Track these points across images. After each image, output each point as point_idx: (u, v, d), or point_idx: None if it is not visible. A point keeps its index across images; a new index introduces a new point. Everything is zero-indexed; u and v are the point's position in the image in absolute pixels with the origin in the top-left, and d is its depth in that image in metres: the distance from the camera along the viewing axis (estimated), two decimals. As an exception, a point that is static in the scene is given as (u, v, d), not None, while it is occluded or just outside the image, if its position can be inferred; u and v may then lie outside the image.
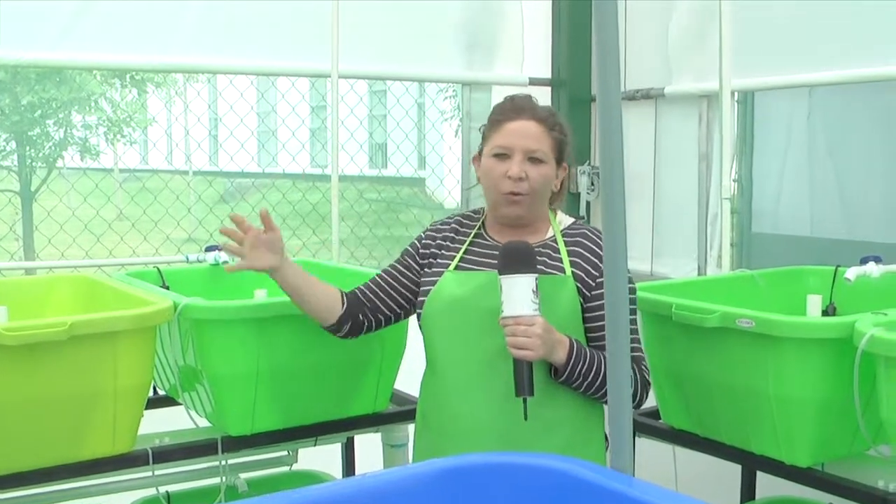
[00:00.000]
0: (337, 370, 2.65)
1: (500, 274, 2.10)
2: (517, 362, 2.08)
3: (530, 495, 1.43)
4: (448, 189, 4.65)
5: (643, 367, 2.26)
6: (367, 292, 2.40)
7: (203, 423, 2.73)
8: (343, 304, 2.36)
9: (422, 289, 2.32)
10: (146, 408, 2.80)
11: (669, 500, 1.27)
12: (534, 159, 2.21)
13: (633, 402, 2.22)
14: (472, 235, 2.33)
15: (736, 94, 3.78)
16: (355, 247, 5.20)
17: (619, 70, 1.35)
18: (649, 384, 2.30)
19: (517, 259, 2.09)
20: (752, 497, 2.99)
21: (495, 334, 2.12)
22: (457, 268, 2.28)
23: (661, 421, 2.78)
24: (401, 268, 2.39)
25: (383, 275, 2.41)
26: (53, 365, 2.25)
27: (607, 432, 1.67)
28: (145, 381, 2.45)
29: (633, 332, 2.27)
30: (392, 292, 2.37)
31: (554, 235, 2.30)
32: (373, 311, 2.38)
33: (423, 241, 2.38)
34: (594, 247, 2.24)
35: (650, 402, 2.48)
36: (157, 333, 2.47)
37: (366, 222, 5.59)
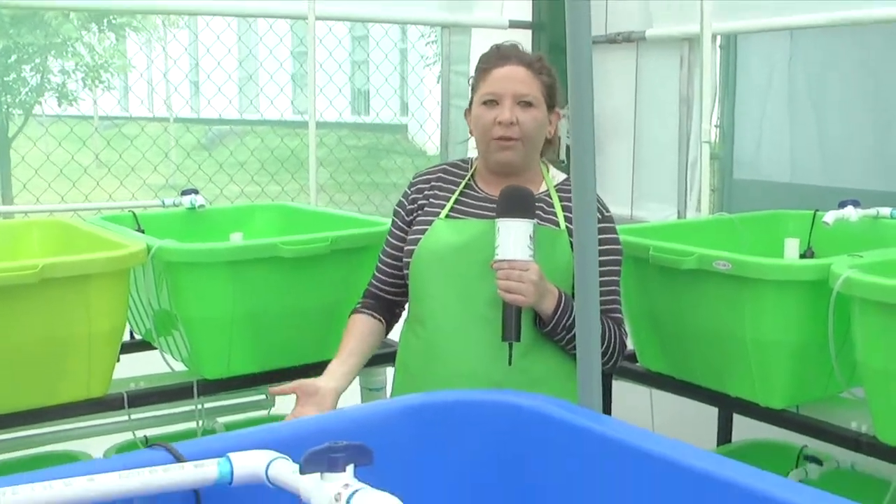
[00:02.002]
0: (313, 313, 2.63)
1: (499, 217, 2.08)
2: (506, 306, 2.07)
3: (499, 431, 1.43)
4: (428, 134, 4.61)
5: (622, 330, 2.25)
6: (382, 285, 2.37)
7: (179, 367, 2.71)
8: (382, 322, 2.35)
9: (410, 237, 2.27)
10: (122, 352, 2.78)
11: (636, 436, 1.27)
12: (524, 104, 2.18)
13: (610, 362, 2.22)
14: (461, 186, 2.30)
15: (718, 38, 3.74)
16: (335, 192, 5.17)
17: (589, 11, 1.33)
18: (625, 347, 2.29)
19: (517, 203, 2.07)
20: (729, 440, 3.01)
21: (488, 285, 2.10)
22: (448, 216, 2.25)
23: (637, 364, 2.78)
24: (396, 241, 2.34)
25: (384, 258, 2.37)
26: (25, 309, 2.22)
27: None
28: (119, 325, 2.42)
29: (615, 293, 2.26)
30: (402, 266, 2.33)
31: (547, 190, 2.27)
32: (399, 294, 2.36)
33: (410, 196, 2.34)
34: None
35: (628, 345, 2.48)
36: (130, 277, 2.45)
37: (346, 167, 5.55)
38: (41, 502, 1.08)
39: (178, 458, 1.23)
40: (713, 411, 2.67)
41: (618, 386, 2.85)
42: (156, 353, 2.84)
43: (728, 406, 2.57)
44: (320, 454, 1.05)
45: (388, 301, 2.37)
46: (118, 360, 2.74)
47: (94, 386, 2.41)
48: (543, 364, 2.19)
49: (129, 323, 2.89)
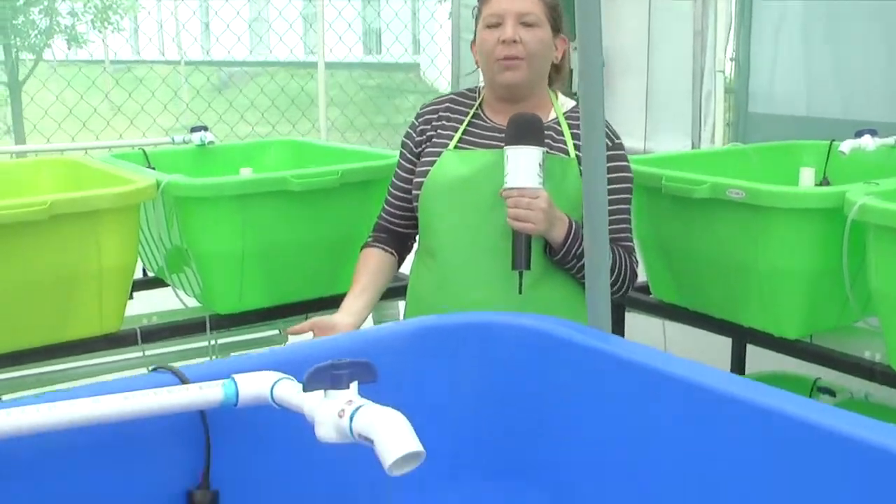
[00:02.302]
0: (324, 247, 2.63)
1: (507, 144, 2.06)
2: (516, 235, 2.05)
3: (507, 353, 1.42)
4: (440, 69, 4.56)
5: (633, 258, 2.23)
6: (392, 218, 2.35)
7: (192, 303, 2.72)
8: (394, 255, 2.33)
9: (419, 169, 2.25)
10: (135, 290, 2.80)
11: (644, 354, 1.26)
12: (527, 24, 2.14)
13: (621, 290, 2.20)
14: (469, 116, 2.27)
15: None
16: (347, 131, 5.14)
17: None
18: (636, 275, 2.27)
19: (526, 130, 2.05)
20: (742, 372, 3.00)
21: (498, 215, 2.08)
22: (456, 147, 2.23)
23: (650, 295, 2.77)
24: (405, 174, 2.32)
25: (393, 190, 2.34)
26: (35, 245, 2.22)
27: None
28: (130, 261, 2.42)
29: (626, 220, 2.23)
30: (411, 199, 2.30)
31: (556, 118, 2.24)
32: (409, 227, 2.34)
33: (418, 128, 2.31)
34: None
35: (640, 277, 2.46)
36: (140, 212, 2.44)
37: (359, 107, 5.51)
38: (45, 423, 1.08)
39: (183, 381, 1.22)
40: (726, 343, 2.66)
41: (630, 318, 2.84)
42: (169, 290, 2.85)
43: (741, 336, 2.55)
44: (323, 371, 1.04)
45: (398, 234, 2.35)
46: (131, 298, 2.75)
47: (106, 322, 2.42)
48: (554, 292, 2.18)
49: (142, 260, 2.90)
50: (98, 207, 2.28)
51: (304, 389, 1.06)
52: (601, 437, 1.34)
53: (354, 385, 1.05)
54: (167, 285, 2.86)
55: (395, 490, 1.42)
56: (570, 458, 1.38)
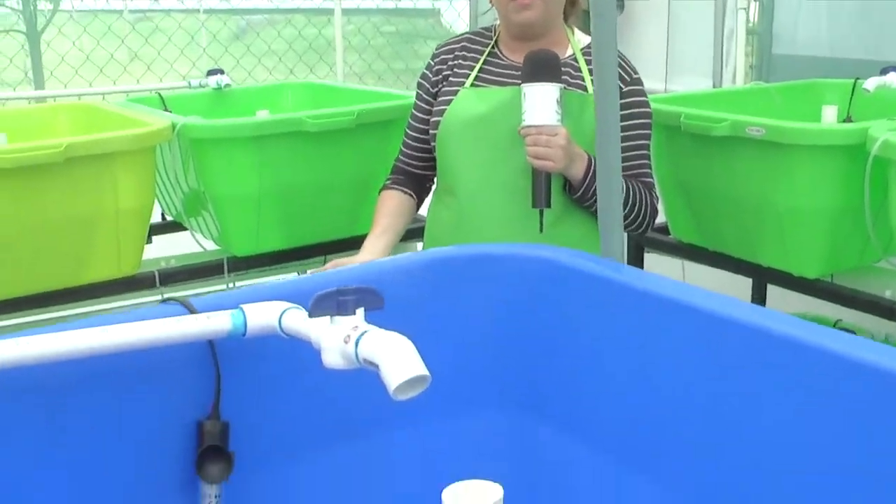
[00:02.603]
0: (341, 188, 2.62)
1: (524, 82, 2.03)
2: (536, 173, 2.03)
3: (519, 284, 1.41)
4: (458, 11, 4.52)
5: (653, 194, 2.21)
6: (410, 159, 2.33)
7: (211, 246, 2.72)
8: (413, 197, 2.32)
9: (436, 108, 2.23)
10: (154, 234, 2.80)
11: (659, 284, 1.24)
12: None
13: (642, 226, 2.18)
14: (485, 54, 2.24)
15: None
16: (369, 78, 5.11)
17: None
18: (657, 212, 2.24)
19: (543, 67, 2.02)
20: (763, 314, 2.98)
21: (517, 153, 2.06)
22: (473, 85, 2.20)
23: (670, 236, 2.75)
24: (421, 114, 2.30)
25: (410, 131, 2.32)
26: (52, 188, 2.22)
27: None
28: (147, 203, 2.42)
29: (645, 157, 2.20)
30: (429, 139, 2.28)
31: (573, 54, 2.21)
32: (427, 168, 2.32)
33: (434, 68, 2.29)
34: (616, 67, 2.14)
35: (659, 217, 2.44)
36: (156, 155, 2.44)
37: (380, 54, 5.46)
38: (54, 352, 1.08)
39: (192, 312, 1.22)
40: (746, 283, 2.64)
41: (650, 258, 2.82)
42: (187, 234, 2.85)
43: (761, 276, 2.53)
44: (329, 297, 1.03)
45: (416, 175, 2.34)
46: (150, 242, 2.76)
47: (124, 264, 2.42)
48: (574, 230, 2.16)
49: (160, 204, 2.90)
50: (113, 150, 2.27)
51: (310, 315, 1.06)
52: (614, 370, 1.33)
53: (360, 311, 1.04)
54: (186, 229, 2.87)
55: (402, 421, 1.42)
56: (582, 391, 1.37)
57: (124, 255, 2.40)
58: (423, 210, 2.40)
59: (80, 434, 1.20)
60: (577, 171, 2.06)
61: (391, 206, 2.28)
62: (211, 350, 1.25)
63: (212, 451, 1.24)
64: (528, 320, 1.44)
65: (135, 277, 2.46)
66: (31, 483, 1.18)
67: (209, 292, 2.76)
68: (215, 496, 1.25)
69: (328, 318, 1.05)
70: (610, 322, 1.32)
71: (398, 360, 0.94)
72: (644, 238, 2.77)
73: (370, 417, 1.40)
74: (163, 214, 3.00)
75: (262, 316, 1.15)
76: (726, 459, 1.20)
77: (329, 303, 1.03)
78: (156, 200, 2.60)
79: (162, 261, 2.61)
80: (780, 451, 1.15)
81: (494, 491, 0.80)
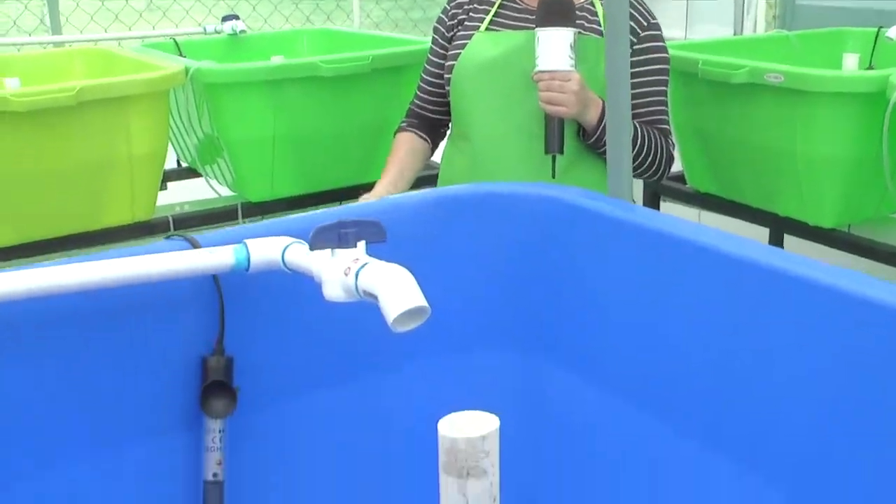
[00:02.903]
0: (355, 134, 2.61)
1: (538, 26, 2.01)
2: (549, 118, 2.01)
3: (529, 223, 1.39)
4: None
5: (669, 141, 2.18)
6: (425, 104, 2.31)
7: (226, 192, 2.72)
8: (427, 141, 2.30)
9: (450, 52, 2.21)
10: (169, 180, 2.80)
11: (670, 224, 1.22)
12: None
13: (658, 173, 2.16)
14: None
15: None
16: (381, 21, 5.07)
17: None
18: (672, 159, 2.22)
19: (557, 11, 1.99)
20: (780, 265, 2.95)
21: (530, 98, 2.04)
22: (487, 29, 2.18)
23: (686, 185, 2.72)
24: (436, 59, 2.27)
25: (426, 76, 2.30)
26: (65, 132, 2.22)
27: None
28: (160, 148, 2.41)
29: (662, 103, 2.18)
30: (444, 83, 2.25)
31: None
32: (441, 113, 2.30)
33: (450, 12, 2.26)
34: (633, 11, 2.11)
35: (676, 166, 2.41)
36: (169, 100, 2.43)
37: (400, 4, 5.42)
38: (53, 285, 1.08)
39: (196, 247, 1.22)
40: (762, 233, 2.61)
41: (665, 207, 2.80)
42: (202, 180, 2.85)
43: (778, 226, 2.50)
44: (329, 229, 1.02)
45: (431, 120, 2.32)
46: (165, 188, 2.75)
47: (138, 210, 2.42)
48: (587, 176, 2.13)
49: (175, 150, 2.90)
50: (127, 94, 2.27)
51: (310, 248, 1.05)
52: (624, 310, 1.32)
53: (362, 244, 1.04)
54: (200, 175, 2.86)
55: (407, 360, 1.42)
56: (591, 332, 1.36)
57: (138, 200, 2.40)
58: (437, 157, 2.38)
59: (84, 368, 1.20)
60: (591, 117, 2.04)
61: (405, 149, 2.27)
62: (216, 285, 1.24)
63: (216, 387, 1.24)
64: (537, 260, 1.42)
65: (149, 222, 2.46)
66: (37, 416, 1.19)
67: (223, 238, 2.76)
68: (219, 431, 1.26)
69: (329, 251, 1.04)
70: (621, 263, 1.30)
71: (397, 292, 0.93)
72: (660, 186, 2.75)
73: (375, 354, 1.40)
74: (178, 161, 3.00)
75: (265, 250, 1.15)
76: (738, 401, 1.19)
77: (330, 235, 1.03)
78: (170, 146, 2.60)
79: (176, 206, 2.61)
80: (795, 393, 1.13)
81: (490, 421, 0.78)
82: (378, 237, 1.05)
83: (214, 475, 1.27)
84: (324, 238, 1.03)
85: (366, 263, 0.99)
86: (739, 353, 1.20)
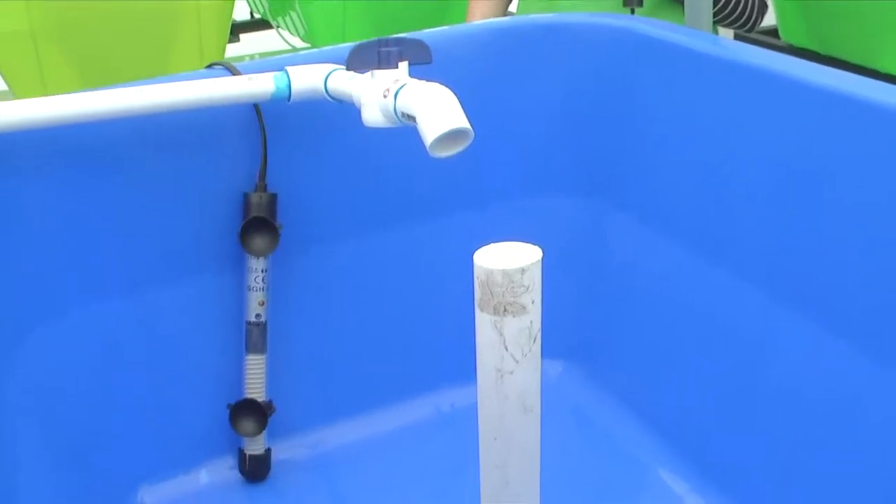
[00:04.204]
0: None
1: None
2: None
3: (596, 56, 1.28)
4: None
5: None
6: None
7: (299, 44, 2.66)
8: None
9: None
10: (242, 31, 2.74)
11: (756, 55, 1.10)
12: None
13: (748, 23, 2.01)
14: None
15: None
16: None
17: None
18: (766, 7, 2.06)
19: None
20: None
21: None
22: None
23: (779, 39, 2.56)
24: None
25: None
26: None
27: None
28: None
29: None
30: None
31: None
32: None
33: None
34: None
35: (769, 19, 2.25)
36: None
37: None
38: (89, 111, 1.02)
39: (236, 74, 1.14)
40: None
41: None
42: (275, 32, 2.78)
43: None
44: (369, 47, 0.94)
45: None
46: (237, 40, 2.70)
47: (206, 58, 2.36)
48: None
49: (247, 1, 2.83)
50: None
51: (347, 66, 0.97)
52: (695, 150, 1.21)
53: (404, 65, 0.95)
54: (273, 27, 2.80)
55: (463, 201, 1.34)
56: (657, 175, 1.26)
57: (206, 50, 2.34)
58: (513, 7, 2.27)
59: (123, 201, 1.15)
60: None
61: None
62: (257, 116, 1.17)
63: (258, 224, 1.18)
64: (605, 98, 1.32)
65: (216, 71, 2.40)
66: (72, 246, 1.15)
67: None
68: (262, 271, 1.20)
69: (370, 74, 0.95)
70: (697, 99, 1.18)
71: (437, 112, 0.85)
72: (749, 39, 2.58)
73: (428, 196, 1.32)
74: (251, 12, 2.94)
75: (307, 78, 1.07)
76: (806, 249, 1.08)
77: (369, 54, 0.94)
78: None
79: (247, 57, 2.55)
80: (867, 242, 1.03)
81: (532, 253, 0.70)
82: (423, 58, 0.96)
83: (257, 316, 1.22)
84: (362, 57, 0.95)
85: (406, 84, 0.90)
86: (821, 200, 1.08)
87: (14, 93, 2.24)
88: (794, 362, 1.10)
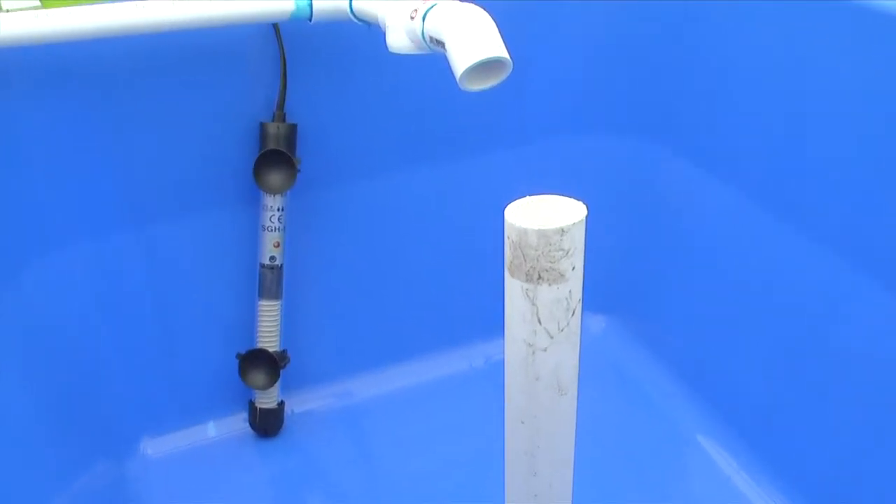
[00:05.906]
0: None
1: None
2: None
3: None
4: None
5: None
6: None
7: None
8: None
9: None
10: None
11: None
12: None
13: None
14: None
15: None
16: None
17: None
18: None
19: None
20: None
21: None
22: None
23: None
24: None
25: None
26: None
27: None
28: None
29: None
30: None
31: None
32: None
33: None
34: None
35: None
36: None
37: None
38: (87, 27, 0.91)
39: (254, -9, 1.02)
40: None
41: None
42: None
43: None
44: (397, -39, 0.82)
45: None
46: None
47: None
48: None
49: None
50: None
51: (373, -17, 0.85)
52: (769, 96, 1.08)
53: (435, -16, 0.83)
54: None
55: (498, 141, 1.22)
56: (723, 118, 1.13)
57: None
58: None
59: (125, 128, 1.04)
60: None
61: None
62: (276, 37, 1.05)
63: (275, 157, 1.07)
64: (644, 34, 1.19)
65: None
66: (80, 179, 1.05)
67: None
68: (278, 209, 1.09)
69: (399, -7, 0.84)
70: (768, 31, 1.05)
71: (470, 38, 0.73)
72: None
73: (458, 135, 1.21)
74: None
75: (330, -4, 0.95)
76: (859, 200, 0.96)
77: (396, -32, 0.82)
78: None
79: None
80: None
81: (575, 211, 0.58)
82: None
83: (272, 259, 1.12)
84: (388, -28, 0.83)
85: (436, 4, 0.78)
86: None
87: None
88: (869, 335, 0.98)
